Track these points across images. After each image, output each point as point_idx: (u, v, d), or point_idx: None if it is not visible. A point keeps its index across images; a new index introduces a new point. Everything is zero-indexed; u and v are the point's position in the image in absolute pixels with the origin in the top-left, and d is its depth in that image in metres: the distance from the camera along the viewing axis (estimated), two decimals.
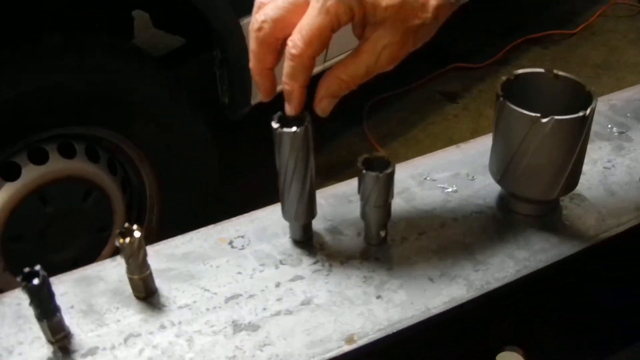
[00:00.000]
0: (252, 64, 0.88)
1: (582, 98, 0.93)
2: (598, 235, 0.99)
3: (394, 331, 0.86)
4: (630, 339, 1.13)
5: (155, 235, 2.59)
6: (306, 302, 0.90)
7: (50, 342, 0.84)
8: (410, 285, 0.92)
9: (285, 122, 0.87)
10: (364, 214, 0.95)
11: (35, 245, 2.30)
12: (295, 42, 0.82)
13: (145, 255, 0.87)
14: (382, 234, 0.97)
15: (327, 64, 2.67)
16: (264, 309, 0.89)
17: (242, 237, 1.00)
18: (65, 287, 0.92)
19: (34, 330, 0.86)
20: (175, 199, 2.61)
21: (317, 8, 0.80)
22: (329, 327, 0.86)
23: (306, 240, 0.98)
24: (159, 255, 0.97)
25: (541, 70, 0.99)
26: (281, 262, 0.95)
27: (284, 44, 0.84)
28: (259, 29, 0.84)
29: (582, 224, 1.01)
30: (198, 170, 2.63)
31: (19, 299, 0.90)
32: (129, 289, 0.91)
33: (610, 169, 1.11)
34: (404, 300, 0.89)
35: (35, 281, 0.78)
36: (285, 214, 0.96)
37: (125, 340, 0.85)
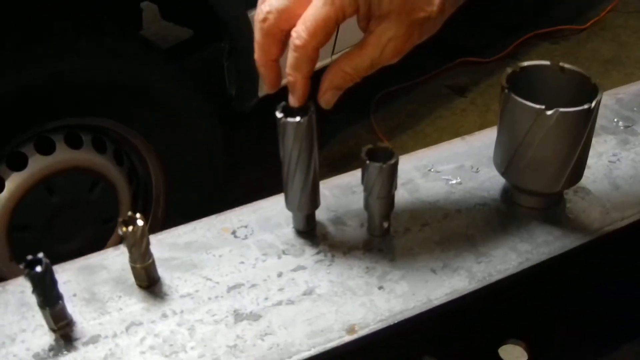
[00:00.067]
0: (257, 55, 0.87)
1: (587, 91, 0.92)
2: (602, 229, 0.99)
3: (395, 322, 0.86)
4: (634, 333, 1.12)
5: (161, 225, 2.59)
6: (308, 292, 0.90)
7: (52, 330, 0.85)
8: (413, 276, 0.91)
9: (290, 112, 0.86)
10: (367, 205, 0.95)
11: (41, 235, 2.31)
12: (299, 33, 0.82)
13: (148, 244, 0.87)
14: (385, 225, 0.96)
15: (335, 57, 2.65)
16: (266, 298, 0.89)
17: (245, 226, 1.00)
18: (68, 275, 0.92)
19: (37, 318, 0.86)
20: (181, 189, 2.62)
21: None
22: (331, 318, 0.86)
23: (309, 231, 0.98)
24: (161, 244, 0.97)
25: (547, 62, 0.98)
26: (284, 252, 0.95)
27: (288, 35, 0.84)
28: (264, 19, 0.84)
29: (586, 217, 1.00)
30: (204, 161, 2.63)
31: (22, 286, 0.91)
32: (131, 278, 0.91)
33: (616, 162, 1.10)
34: (406, 291, 0.89)
35: (38, 269, 0.78)
36: (288, 204, 0.96)
37: (127, 328, 0.85)
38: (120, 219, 0.84)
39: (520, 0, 4.75)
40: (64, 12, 2.27)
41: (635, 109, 1.23)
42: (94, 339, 0.84)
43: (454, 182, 1.07)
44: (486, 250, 0.95)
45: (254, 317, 0.86)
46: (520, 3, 4.77)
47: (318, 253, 0.95)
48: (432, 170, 1.09)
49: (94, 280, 0.92)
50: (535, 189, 0.98)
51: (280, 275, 0.92)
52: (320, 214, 1.00)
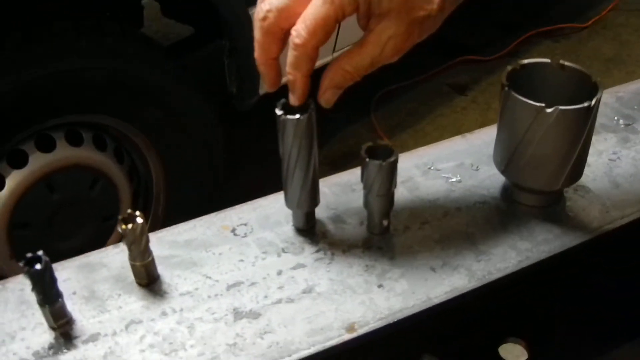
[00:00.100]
0: (257, 54, 0.87)
1: (588, 89, 0.92)
2: (602, 227, 0.99)
3: (395, 320, 0.86)
4: (634, 332, 1.12)
5: (161, 223, 2.59)
6: (308, 291, 0.90)
7: (52, 328, 0.85)
8: (412, 274, 0.91)
9: (289, 109, 0.86)
10: (366, 203, 0.95)
11: (41, 233, 2.31)
12: (299, 31, 0.81)
13: (147, 242, 0.87)
14: (385, 223, 0.96)
15: (336, 54, 2.65)
16: (266, 296, 0.89)
17: (245, 224, 1.00)
18: (68, 273, 0.92)
19: (37, 316, 0.86)
20: (182, 187, 2.62)
21: None
22: (330, 316, 0.86)
23: (309, 229, 0.98)
24: (161, 242, 0.97)
25: (547, 60, 0.98)
26: (283, 250, 0.95)
27: (288, 33, 0.84)
28: (264, 18, 0.84)
29: (586, 216, 1.00)
30: (205, 159, 2.63)
31: (22, 284, 0.91)
32: (131, 276, 0.91)
33: (616, 160, 1.10)
34: (406, 290, 0.89)
35: (38, 266, 0.78)
36: (288, 201, 0.96)
37: (127, 326, 0.85)
38: (120, 217, 0.84)
39: None
40: (64, 11, 2.27)
41: (635, 107, 1.23)
42: (94, 337, 0.84)
43: (453, 180, 1.07)
44: (486, 248, 0.95)
45: (254, 315, 0.86)
46: (521, 1, 4.77)
47: (318, 251, 0.95)
48: (432, 168, 1.09)
49: (93, 278, 0.92)
50: (535, 187, 0.98)
51: (279, 273, 0.92)
52: (320, 212, 1.00)
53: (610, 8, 4.85)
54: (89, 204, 2.40)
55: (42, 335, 0.84)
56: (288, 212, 0.99)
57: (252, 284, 0.91)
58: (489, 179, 1.07)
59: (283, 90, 0.90)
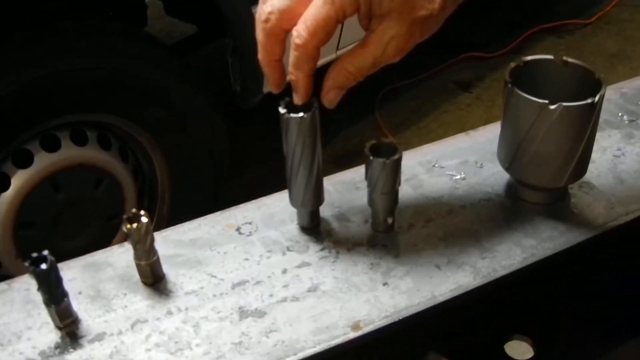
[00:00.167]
0: (260, 55, 0.87)
1: (591, 85, 0.92)
2: (606, 224, 0.99)
3: (400, 318, 0.86)
4: (639, 328, 1.12)
5: (166, 223, 2.59)
6: (313, 289, 0.90)
7: (58, 327, 0.85)
8: (417, 272, 0.91)
9: (293, 107, 0.87)
10: (371, 201, 0.95)
11: (47, 232, 2.32)
12: (299, 32, 0.82)
13: (152, 241, 0.87)
14: (390, 220, 0.96)
15: (340, 52, 2.66)
16: (271, 295, 0.89)
17: (250, 223, 1.00)
18: (74, 273, 0.93)
19: (43, 316, 0.86)
20: (187, 186, 2.62)
21: None
22: (335, 314, 0.86)
23: (313, 227, 0.98)
24: (166, 241, 0.97)
25: (550, 57, 0.98)
26: (288, 249, 0.96)
27: (291, 34, 0.84)
28: (266, 20, 0.84)
29: (590, 212, 1.00)
30: (209, 157, 2.63)
31: (27, 284, 0.91)
32: (136, 275, 0.91)
33: (620, 157, 1.10)
34: (411, 287, 0.89)
35: (43, 266, 0.78)
36: (292, 200, 0.96)
37: (132, 326, 0.86)
38: (124, 216, 0.84)
39: None
40: (68, 11, 2.27)
41: (639, 103, 1.22)
42: (100, 337, 0.84)
43: (458, 177, 1.07)
44: (491, 245, 0.95)
45: (259, 314, 0.86)
46: None
47: (322, 249, 0.95)
48: (436, 165, 1.09)
49: (99, 278, 0.92)
50: (539, 184, 0.98)
51: (284, 271, 0.92)
52: (325, 211, 1.00)
53: (614, 4, 4.85)
54: (94, 203, 2.40)
55: (48, 334, 0.85)
56: (293, 211, 0.99)
57: (257, 282, 0.91)
58: (493, 176, 1.07)
59: (287, 88, 0.90)
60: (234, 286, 0.90)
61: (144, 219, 0.84)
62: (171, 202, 2.62)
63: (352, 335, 0.84)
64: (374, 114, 3.80)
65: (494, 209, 1.01)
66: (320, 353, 0.82)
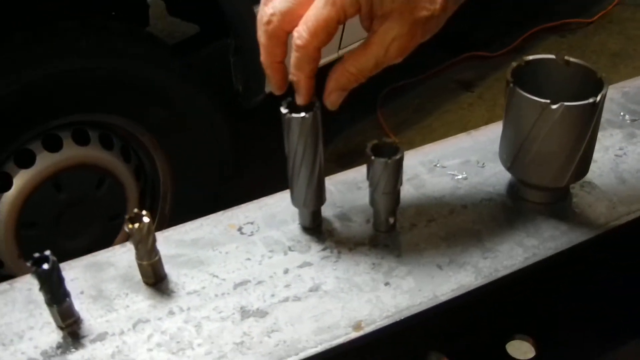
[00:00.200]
0: (262, 57, 0.87)
1: (593, 85, 0.92)
2: (608, 223, 0.99)
3: (402, 318, 0.86)
4: None
5: (168, 223, 2.60)
6: (314, 289, 0.90)
7: (60, 327, 0.85)
8: (419, 272, 0.91)
9: (295, 107, 0.87)
10: (372, 201, 0.95)
11: (48, 232, 2.32)
12: (300, 33, 0.82)
13: (154, 241, 0.87)
14: (391, 220, 0.96)
15: (342, 51, 2.67)
16: (272, 295, 0.89)
17: (252, 223, 1.00)
18: (75, 273, 0.93)
19: (44, 316, 0.86)
20: (189, 186, 2.62)
21: (324, 0, 0.80)
22: (337, 314, 0.86)
23: (315, 227, 0.98)
24: (168, 241, 0.97)
25: (552, 56, 0.98)
26: (290, 249, 0.96)
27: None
28: (268, 22, 0.84)
29: (592, 212, 1.00)
30: (212, 157, 2.63)
31: (29, 284, 0.91)
32: (138, 275, 0.91)
33: (622, 156, 1.10)
34: (412, 287, 0.89)
35: (45, 266, 0.78)
36: (294, 200, 0.96)
37: (134, 325, 0.86)
38: (126, 216, 0.84)
39: None
40: (70, 11, 2.27)
41: None
42: (102, 337, 0.84)
43: (459, 177, 1.07)
44: (492, 245, 0.95)
45: (261, 313, 0.86)
46: None
47: (324, 249, 0.95)
48: (437, 165, 1.09)
49: (101, 278, 0.92)
50: (541, 184, 0.98)
51: (286, 271, 0.92)
52: (326, 210, 1.00)
53: (616, 2, 4.84)
54: (96, 203, 2.40)
55: (50, 334, 0.85)
56: (294, 211, 0.99)
57: (259, 282, 0.91)
58: (495, 176, 1.07)
59: (290, 89, 0.90)
60: (235, 286, 0.90)
61: (146, 219, 0.84)
62: (173, 201, 2.62)
63: (354, 335, 0.84)
64: (375, 113, 3.80)
65: (495, 209, 1.01)
66: (322, 353, 0.82)
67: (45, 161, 2.24)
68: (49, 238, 2.31)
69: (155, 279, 0.91)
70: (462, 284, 0.90)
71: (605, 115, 1.12)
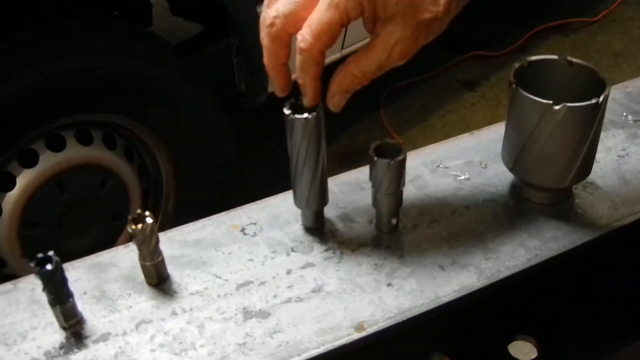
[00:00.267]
0: (265, 59, 0.88)
1: (595, 85, 0.92)
2: (611, 224, 0.99)
3: (404, 319, 0.86)
4: None
5: (171, 223, 2.60)
6: (317, 290, 0.90)
7: (63, 327, 0.85)
8: (421, 273, 0.92)
9: (298, 108, 0.87)
10: (375, 202, 0.95)
11: (52, 232, 2.32)
12: (304, 36, 0.82)
13: (157, 241, 0.88)
14: (394, 221, 0.97)
15: (345, 51, 2.66)
16: (275, 296, 0.89)
17: (254, 224, 1.00)
18: (79, 273, 0.93)
19: (48, 316, 0.86)
20: (192, 186, 2.62)
21: (327, 3, 0.80)
22: (339, 315, 0.86)
23: (318, 228, 0.99)
24: (171, 241, 0.97)
25: (554, 57, 0.98)
26: (292, 250, 0.96)
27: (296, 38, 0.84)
28: (271, 24, 0.84)
29: (594, 213, 1.00)
30: (215, 157, 2.63)
31: (33, 284, 0.91)
32: (141, 276, 0.91)
33: (625, 157, 1.10)
34: (415, 288, 0.89)
35: (49, 267, 0.78)
36: (296, 201, 0.96)
37: (137, 326, 0.86)
38: (129, 217, 0.85)
39: None
40: (73, 11, 2.28)
41: None
42: (104, 337, 0.84)
43: (462, 178, 1.07)
44: (495, 246, 0.95)
45: (263, 314, 0.87)
46: None
47: (327, 250, 0.95)
48: (440, 166, 1.09)
49: (104, 278, 0.92)
50: (544, 185, 0.98)
51: (289, 272, 0.92)
52: (329, 211, 1.00)
53: (619, 2, 4.84)
54: (99, 202, 2.40)
55: (53, 335, 0.85)
56: (297, 211, 0.99)
57: (262, 283, 0.91)
58: (498, 176, 1.07)
59: (293, 87, 0.90)
60: (238, 287, 0.90)
61: (149, 220, 0.84)
62: (176, 201, 2.63)
63: (356, 336, 0.84)
64: (379, 113, 3.80)
65: (498, 210, 1.01)
66: (324, 354, 0.83)
67: (48, 161, 2.24)
68: (52, 238, 2.32)
69: (158, 280, 0.91)
70: (465, 284, 0.90)
71: (608, 115, 1.12)
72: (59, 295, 0.82)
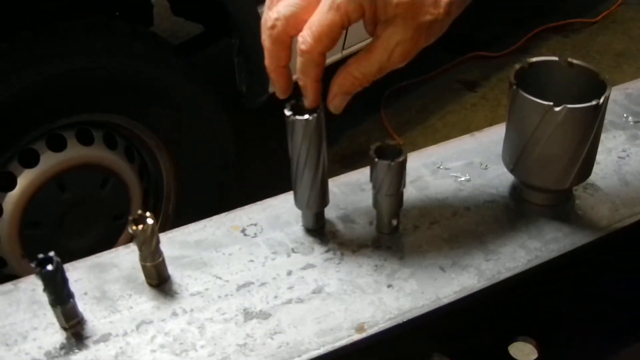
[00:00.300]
0: (267, 61, 0.88)
1: (596, 87, 0.92)
2: (611, 226, 0.99)
3: (404, 320, 0.86)
4: None
5: (171, 223, 2.60)
6: (317, 291, 0.90)
7: (63, 328, 0.85)
8: (422, 274, 0.92)
9: (298, 109, 0.87)
10: (376, 203, 0.95)
11: (52, 232, 2.32)
12: (305, 38, 0.82)
13: (158, 242, 0.88)
14: (394, 222, 0.97)
15: (346, 52, 2.67)
16: (275, 297, 0.89)
17: (255, 225, 1.00)
18: (79, 274, 0.93)
19: (48, 316, 0.86)
20: (192, 186, 2.62)
21: (328, 4, 0.80)
22: (340, 316, 0.86)
23: (318, 229, 0.99)
24: (172, 242, 0.97)
25: (555, 58, 0.98)
26: (293, 250, 0.96)
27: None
28: (272, 26, 0.84)
29: (595, 214, 1.00)
30: (215, 157, 2.63)
31: (33, 284, 0.91)
32: (142, 276, 0.91)
33: (625, 158, 1.10)
34: (415, 290, 0.89)
35: (49, 267, 0.78)
36: (297, 202, 0.96)
37: (138, 327, 0.86)
38: (130, 218, 0.85)
39: None
40: (74, 11, 2.28)
41: None
42: (105, 338, 0.85)
43: (462, 179, 1.07)
44: (495, 247, 0.95)
45: (264, 315, 0.87)
46: None
47: (327, 251, 0.95)
48: (441, 167, 1.09)
49: (104, 279, 0.92)
50: (544, 186, 0.98)
51: (289, 273, 0.92)
52: (329, 212, 1.00)
53: (620, 2, 4.84)
54: (100, 203, 2.40)
55: (54, 335, 0.85)
56: (298, 212, 0.99)
57: (262, 284, 0.91)
58: (498, 177, 1.07)
59: (294, 88, 0.91)
60: (239, 288, 0.91)
61: (150, 221, 0.84)
62: (177, 201, 2.63)
63: (357, 337, 0.84)
64: (379, 113, 3.80)
65: (498, 211, 1.01)
66: (325, 355, 0.83)
67: (49, 161, 2.24)
68: (52, 238, 2.32)
69: (159, 280, 0.91)
70: (465, 286, 0.90)
71: (609, 116, 1.12)
72: (60, 295, 0.82)
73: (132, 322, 0.86)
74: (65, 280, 0.82)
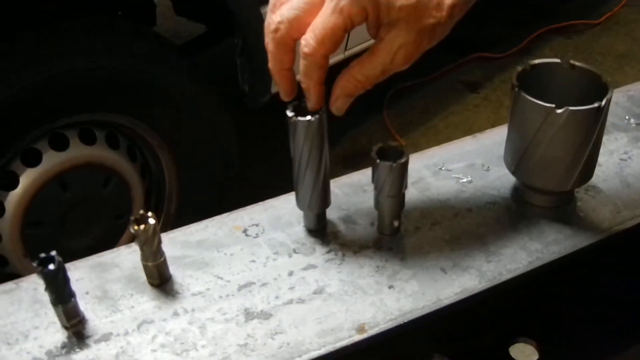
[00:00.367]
0: (270, 64, 0.88)
1: (598, 89, 0.92)
2: (612, 228, 0.99)
3: (405, 321, 0.86)
4: None
5: (173, 222, 2.60)
6: (318, 291, 0.90)
7: (65, 327, 0.85)
8: (423, 275, 0.92)
9: (301, 110, 0.87)
10: (377, 204, 0.96)
11: (54, 231, 2.33)
12: (308, 40, 0.82)
13: (159, 242, 0.88)
14: (396, 223, 0.97)
15: (348, 52, 2.67)
16: (277, 297, 0.89)
17: (257, 225, 1.00)
18: (81, 273, 0.93)
19: (50, 316, 0.86)
20: (194, 186, 2.62)
21: (331, 8, 0.80)
22: (341, 317, 0.86)
23: (320, 229, 0.99)
24: (173, 242, 0.97)
25: (557, 60, 0.98)
26: (294, 251, 0.96)
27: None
28: (276, 30, 0.84)
29: (596, 216, 1.00)
30: (217, 157, 2.63)
31: (35, 284, 0.91)
32: (143, 276, 0.91)
33: (627, 160, 1.10)
34: (416, 291, 0.90)
35: (51, 267, 0.78)
36: (299, 202, 0.96)
37: (139, 326, 0.86)
38: (132, 218, 0.85)
39: None
40: (77, 10, 2.28)
41: None
42: (106, 337, 0.85)
43: (464, 180, 1.07)
44: (496, 249, 0.95)
45: (265, 315, 0.87)
46: None
47: (329, 252, 0.95)
48: (442, 168, 1.09)
49: (106, 278, 0.92)
50: (546, 188, 0.98)
51: (290, 274, 0.93)
52: (331, 213, 1.00)
53: (622, 4, 4.83)
54: (102, 202, 2.41)
55: (55, 334, 0.85)
56: (299, 213, 0.99)
57: (263, 284, 0.91)
58: (500, 179, 1.07)
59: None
60: (240, 288, 0.91)
61: (152, 221, 0.84)
62: (178, 201, 2.63)
63: (357, 337, 0.84)
64: (382, 114, 3.80)
65: (500, 212, 1.01)
66: (325, 355, 0.83)
67: (51, 160, 2.25)
68: (54, 237, 2.32)
69: (160, 280, 0.91)
70: (466, 287, 0.90)
71: (610, 118, 1.12)
72: (61, 295, 0.82)
73: (133, 322, 0.86)
74: (66, 280, 0.82)
